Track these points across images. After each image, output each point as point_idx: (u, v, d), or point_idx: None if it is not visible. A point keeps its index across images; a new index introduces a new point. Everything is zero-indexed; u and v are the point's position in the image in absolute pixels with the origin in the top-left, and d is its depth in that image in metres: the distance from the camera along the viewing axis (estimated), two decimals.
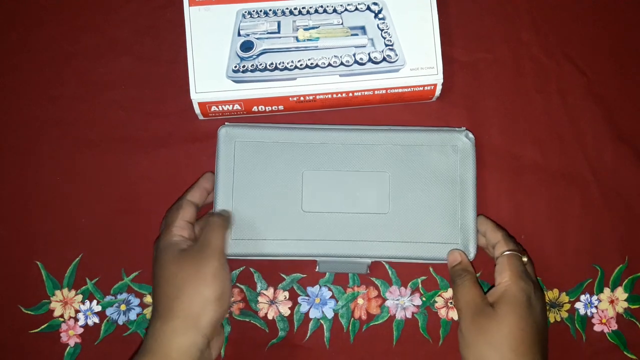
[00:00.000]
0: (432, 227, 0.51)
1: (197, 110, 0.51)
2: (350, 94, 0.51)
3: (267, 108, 0.51)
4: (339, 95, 0.51)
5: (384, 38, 0.51)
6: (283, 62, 0.50)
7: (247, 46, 0.50)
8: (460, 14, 0.54)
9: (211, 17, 0.50)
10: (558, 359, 0.53)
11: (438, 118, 0.55)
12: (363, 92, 0.51)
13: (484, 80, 0.56)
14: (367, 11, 0.51)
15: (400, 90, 0.52)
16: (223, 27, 0.50)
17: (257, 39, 0.50)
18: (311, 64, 0.50)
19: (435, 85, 0.52)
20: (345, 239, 0.51)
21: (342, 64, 0.50)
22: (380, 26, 0.51)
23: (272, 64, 0.50)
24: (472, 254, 0.51)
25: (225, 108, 0.51)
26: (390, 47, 0.51)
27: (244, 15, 0.51)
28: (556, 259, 0.54)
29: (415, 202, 0.52)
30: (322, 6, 0.51)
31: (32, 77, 0.55)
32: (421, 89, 0.52)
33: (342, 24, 0.51)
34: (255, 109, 0.51)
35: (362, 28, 0.51)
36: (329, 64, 0.50)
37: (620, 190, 0.55)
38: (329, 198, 0.52)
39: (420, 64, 0.51)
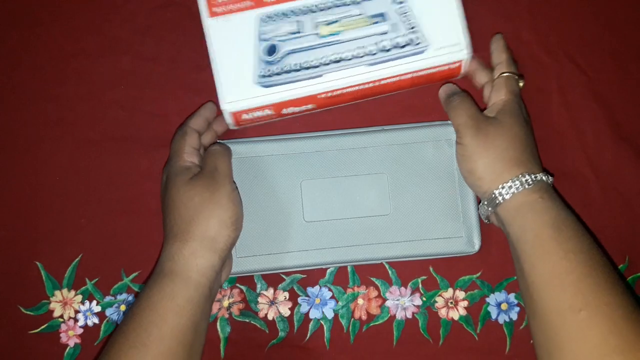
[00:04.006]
0: (435, 223, 0.52)
1: (229, 120, 0.50)
2: (379, 82, 0.51)
3: (296, 109, 0.51)
4: (368, 85, 0.51)
5: (406, 22, 0.50)
6: (308, 61, 0.50)
7: (271, 50, 0.50)
8: None
9: (231, 26, 0.50)
10: None
11: (439, 118, 0.55)
12: (391, 79, 0.51)
13: None
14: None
15: (428, 71, 0.51)
16: (244, 35, 0.50)
17: (280, 41, 0.50)
18: (336, 58, 0.50)
19: (461, 61, 0.50)
20: (350, 244, 0.52)
21: (367, 54, 0.50)
22: (400, 10, 0.50)
23: (297, 64, 0.50)
24: (476, 246, 0.52)
25: (256, 115, 0.51)
26: (413, 30, 0.50)
27: (263, 20, 0.50)
28: None
29: (415, 200, 0.52)
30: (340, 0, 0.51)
31: (32, 77, 0.55)
32: (447, 67, 0.51)
33: (362, 14, 0.51)
34: (284, 111, 0.51)
35: (383, 15, 0.51)
36: (354, 56, 0.50)
37: (621, 189, 0.55)
38: (330, 206, 0.52)
39: (445, 42, 0.50)
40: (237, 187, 0.49)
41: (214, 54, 0.50)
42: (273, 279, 0.54)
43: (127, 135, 0.55)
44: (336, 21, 0.51)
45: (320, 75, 0.50)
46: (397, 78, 0.51)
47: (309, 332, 0.54)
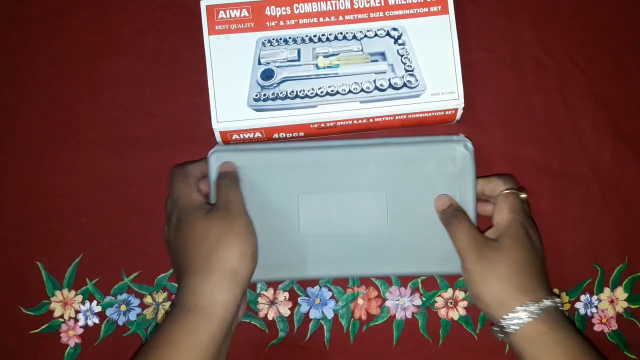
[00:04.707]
0: (432, 242, 0.50)
1: (218, 138, 0.51)
2: (371, 120, 0.51)
3: (287, 135, 0.52)
4: (360, 121, 0.51)
5: (404, 63, 0.51)
6: (304, 90, 0.50)
7: (267, 75, 0.50)
8: (459, 14, 0.54)
9: (231, 45, 0.51)
10: None
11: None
12: (384, 118, 0.51)
13: (484, 79, 0.56)
14: (387, 37, 0.51)
15: (421, 115, 0.51)
16: (243, 56, 0.51)
17: (278, 67, 0.51)
18: (332, 91, 0.50)
19: (456, 109, 0.51)
20: (345, 260, 0.51)
21: (362, 90, 0.51)
22: (400, 51, 0.51)
23: (292, 91, 0.50)
24: None
25: (246, 136, 0.51)
26: (411, 73, 0.51)
27: (263, 44, 0.51)
28: (556, 259, 0.54)
29: (414, 218, 0.51)
30: (341, 33, 0.51)
31: (32, 77, 0.55)
32: (442, 113, 0.52)
33: (362, 50, 0.51)
34: (276, 135, 0.52)
35: (382, 54, 0.51)
36: (350, 91, 0.50)
37: (621, 190, 0.55)
38: (326, 220, 0.51)
39: (441, 88, 0.51)
40: (251, 219, 0.47)
41: (211, 71, 0.50)
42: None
43: (127, 135, 0.55)
44: (335, 54, 0.51)
45: (315, 106, 0.50)
46: (390, 118, 0.51)
47: (309, 332, 0.54)
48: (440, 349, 0.54)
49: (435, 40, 0.51)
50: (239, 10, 0.51)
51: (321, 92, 0.51)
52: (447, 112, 0.52)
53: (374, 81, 0.51)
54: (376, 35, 0.51)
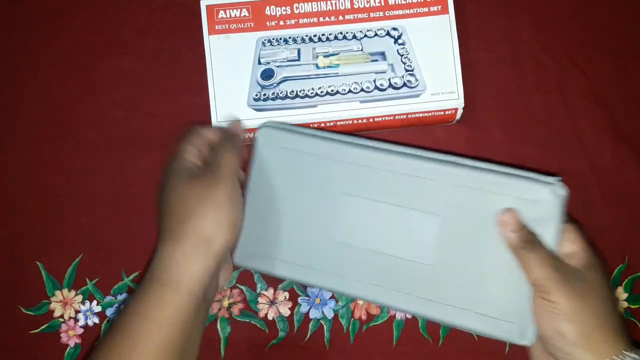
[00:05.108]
0: (482, 295, 0.42)
1: None
2: (371, 120, 0.51)
3: None
4: (360, 121, 0.51)
5: (404, 63, 0.51)
6: (304, 90, 0.51)
7: (267, 74, 0.50)
8: (459, 14, 0.54)
9: (231, 45, 0.51)
10: None
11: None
12: (384, 118, 0.51)
13: (484, 79, 0.56)
14: (387, 37, 0.51)
15: (421, 115, 0.51)
16: (243, 56, 0.51)
17: (278, 67, 0.51)
18: (332, 90, 0.50)
19: (456, 109, 0.52)
20: (374, 283, 0.45)
21: (362, 90, 0.51)
22: (400, 51, 0.51)
23: (292, 91, 0.50)
24: (529, 340, 0.42)
25: (246, 136, 0.51)
26: (411, 72, 0.51)
27: (263, 43, 0.51)
28: None
29: (467, 260, 0.43)
30: (341, 33, 0.51)
31: (32, 77, 0.55)
32: (442, 113, 0.52)
33: (361, 50, 0.51)
34: None
35: (382, 54, 0.51)
36: (350, 91, 0.51)
37: (621, 190, 0.55)
38: (365, 231, 0.45)
39: (441, 88, 0.51)
40: (239, 186, 0.45)
41: (211, 71, 0.50)
42: (273, 279, 0.54)
43: (127, 135, 0.55)
44: (335, 54, 0.51)
45: (315, 106, 0.50)
46: (390, 118, 0.51)
47: (308, 332, 0.54)
48: (440, 349, 0.54)
49: (435, 40, 0.51)
50: (239, 10, 0.51)
51: (321, 92, 0.51)
52: (447, 112, 0.52)
53: (374, 81, 0.51)
54: (376, 35, 0.52)
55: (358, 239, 0.45)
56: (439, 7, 0.52)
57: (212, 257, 0.42)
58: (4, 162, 0.55)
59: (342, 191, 0.46)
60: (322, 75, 0.51)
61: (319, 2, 0.52)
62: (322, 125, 0.51)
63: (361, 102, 0.51)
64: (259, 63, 0.51)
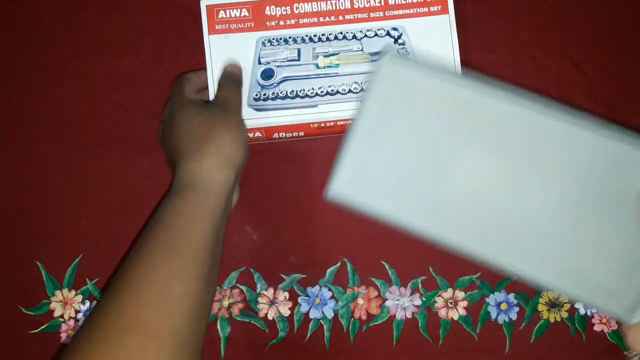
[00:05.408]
0: (597, 265, 0.41)
1: None
2: None
3: (287, 135, 0.52)
4: None
5: None
6: (304, 90, 0.51)
7: (267, 74, 0.50)
8: (459, 14, 0.54)
9: (231, 45, 0.51)
10: (558, 359, 0.53)
11: None
12: None
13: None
14: (387, 37, 0.51)
15: None
16: (243, 55, 0.51)
17: (278, 66, 0.51)
18: (332, 90, 0.51)
19: None
20: (488, 238, 0.42)
21: (362, 90, 0.51)
22: (400, 51, 0.51)
23: (292, 91, 0.51)
24: (636, 317, 0.42)
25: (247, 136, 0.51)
26: None
27: (263, 43, 0.51)
28: None
29: (586, 227, 0.41)
30: (341, 32, 0.51)
31: (32, 77, 0.55)
32: None
33: (362, 50, 0.51)
34: (275, 135, 0.52)
35: (382, 54, 0.50)
36: (350, 91, 0.51)
37: None
38: (478, 180, 0.42)
39: None
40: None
41: (211, 71, 0.50)
42: (273, 279, 0.54)
43: (127, 135, 0.55)
44: (336, 54, 0.51)
45: (315, 106, 0.50)
46: None
47: (309, 332, 0.54)
48: (440, 349, 0.54)
49: (435, 41, 0.51)
50: (239, 10, 0.51)
51: (321, 92, 0.51)
52: None
53: None
54: (376, 35, 0.51)
55: (469, 188, 0.43)
56: (439, 7, 0.52)
57: (234, 169, 0.45)
58: (4, 162, 0.55)
59: (461, 136, 0.43)
60: (322, 75, 0.51)
61: (319, 2, 0.52)
62: (323, 125, 0.51)
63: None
64: (259, 63, 0.51)
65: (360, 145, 0.43)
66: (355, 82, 0.51)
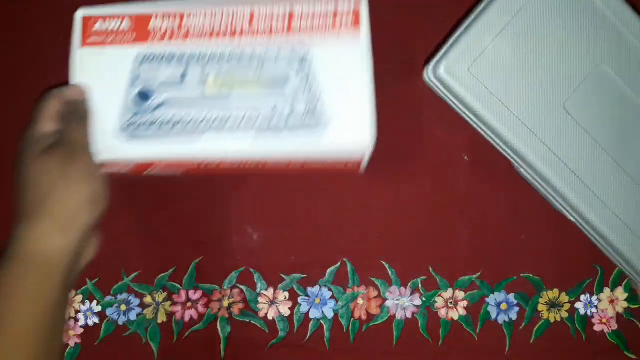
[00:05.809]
0: None
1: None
2: (264, 163, 0.44)
3: (161, 172, 0.46)
4: (252, 161, 0.44)
5: (308, 93, 0.42)
6: (186, 119, 0.42)
7: (143, 96, 0.42)
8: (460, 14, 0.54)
9: (103, 60, 0.43)
10: (558, 359, 0.53)
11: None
12: (279, 158, 0.44)
13: None
14: (290, 61, 0.43)
15: (321, 159, 0.44)
16: (117, 72, 0.43)
17: (158, 88, 0.43)
18: (220, 122, 0.42)
19: (362, 157, 0.43)
20: (583, 179, 0.42)
21: (255, 124, 0.42)
22: (304, 80, 0.42)
23: (173, 118, 0.42)
24: None
25: (115, 170, 0.45)
26: (314, 105, 0.42)
27: (143, 60, 0.43)
28: (556, 259, 0.54)
29: None
30: (237, 53, 0.43)
31: (32, 77, 0.55)
32: (345, 162, 0.44)
33: (259, 75, 0.43)
34: (146, 173, 0.46)
35: (283, 81, 0.43)
36: (240, 124, 0.42)
37: None
38: (601, 122, 0.41)
39: (348, 132, 0.42)
40: (94, 158, 0.41)
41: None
42: (273, 279, 0.54)
43: None
44: (228, 78, 0.43)
45: (198, 139, 0.42)
46: (287, 159, 0.44)
47: (308, 332, 0.54)
48: (440, 349, 0.54)
49: (347, 68, 0.42)
50: (119, 21, 0.43)
51: (207, 123, 0.42)
52: (351, 161, 0.44)
53: (271, 113, 0.42)
54: (277, 58, 0.43)
55: (591, 127, 0.41)
56: (352, 29, 0.42)
57: (72, 234, 0.40)
58: (4, 162, 0.55)
59: (600, 63, 0.41)
60: (210, 102, 0.42)
61: (213, 16, 0.43)
62: (204, 164, 0.44)
63: (253, 139, 0.42)
64: (135, 82, 0.43)
65: (483, 34, 0.40)
66: (247, 114, 0.42)
